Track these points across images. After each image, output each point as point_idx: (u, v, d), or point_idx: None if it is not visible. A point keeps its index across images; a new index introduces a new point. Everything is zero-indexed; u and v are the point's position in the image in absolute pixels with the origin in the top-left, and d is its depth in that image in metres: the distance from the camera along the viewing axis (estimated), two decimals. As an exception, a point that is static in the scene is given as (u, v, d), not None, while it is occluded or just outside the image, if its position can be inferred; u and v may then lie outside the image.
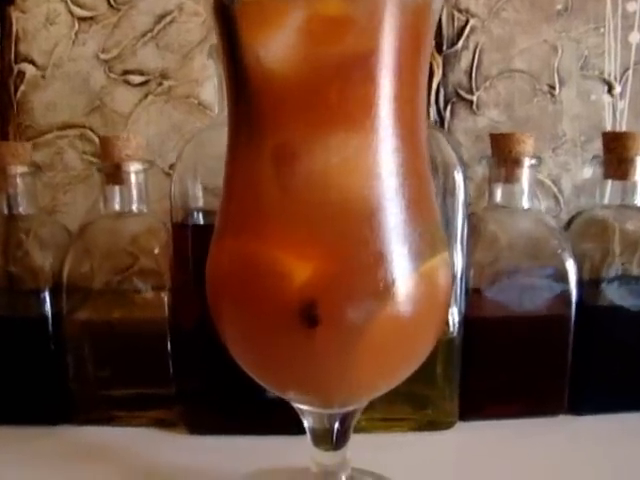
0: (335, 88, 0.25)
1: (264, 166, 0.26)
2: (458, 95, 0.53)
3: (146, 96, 0.51)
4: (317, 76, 0.25)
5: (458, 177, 0.40)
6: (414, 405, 0.42)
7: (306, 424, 0.33)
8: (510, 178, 0.43)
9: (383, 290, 0.26)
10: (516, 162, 0.43)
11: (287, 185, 0.26)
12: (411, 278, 0.27)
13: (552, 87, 0.53)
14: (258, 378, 0.30)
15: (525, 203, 0.44)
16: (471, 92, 0.53)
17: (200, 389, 0.40)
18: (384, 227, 0.26)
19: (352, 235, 0.26)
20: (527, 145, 0.43)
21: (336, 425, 0.32)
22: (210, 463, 0.37)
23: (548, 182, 0.55)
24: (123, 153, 0.42)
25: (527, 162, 0.43)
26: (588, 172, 0.54)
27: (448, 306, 0.31)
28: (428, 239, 0.28)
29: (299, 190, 0.26)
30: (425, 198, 0.28)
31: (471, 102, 0.53)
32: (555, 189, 0.55)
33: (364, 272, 0.26)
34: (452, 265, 0.31)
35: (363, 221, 0.26)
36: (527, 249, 0.43)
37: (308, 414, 0.32)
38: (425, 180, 0.29)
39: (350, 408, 0.31)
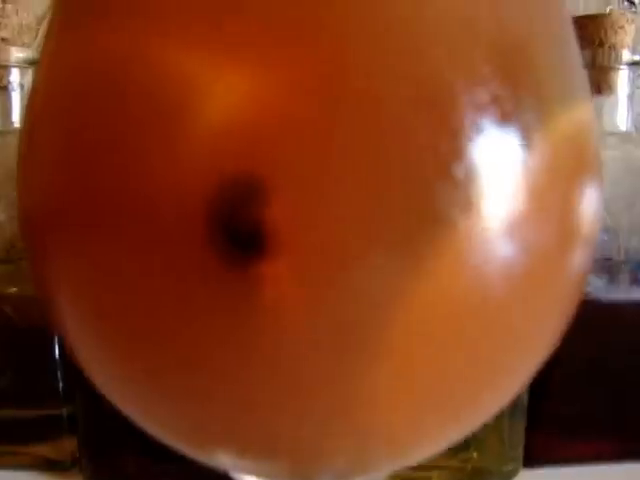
0: None
1: None
2: None
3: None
4: None
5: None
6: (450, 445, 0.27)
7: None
8: (601, 85, 0.29)
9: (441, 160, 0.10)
10: (611, 59, 0.28)
11: None
12: (531, 138, 0.11)
13: (633, -6, 0.41)
14: (138, 415, 0.14)
15: (622, 124, 0.29)
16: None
17: (106, 412, 0.26)
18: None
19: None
20: (627, 33, 0.28)
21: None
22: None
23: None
24: (-4, 35, 0.27)
25: (627, 57, 0.28)
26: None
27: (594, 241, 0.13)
28: (562, 67, 0.12)
29: None
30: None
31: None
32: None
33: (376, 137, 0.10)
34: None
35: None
36: (632, 198, 0.29)
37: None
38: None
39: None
